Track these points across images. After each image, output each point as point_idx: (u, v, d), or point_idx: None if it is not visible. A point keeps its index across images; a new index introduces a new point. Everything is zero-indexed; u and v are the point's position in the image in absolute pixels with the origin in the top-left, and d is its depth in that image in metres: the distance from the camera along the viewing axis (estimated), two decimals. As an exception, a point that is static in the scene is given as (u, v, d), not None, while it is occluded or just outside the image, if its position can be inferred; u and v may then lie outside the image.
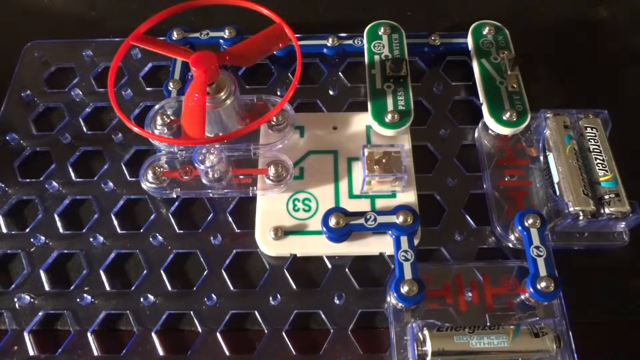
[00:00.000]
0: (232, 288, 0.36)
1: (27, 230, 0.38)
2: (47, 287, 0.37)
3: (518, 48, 0.43)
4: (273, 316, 0.35)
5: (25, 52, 0.47)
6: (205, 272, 0.37)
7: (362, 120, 0.41)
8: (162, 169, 0.38)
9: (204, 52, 0.35)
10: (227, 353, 0.34)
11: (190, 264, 0.37)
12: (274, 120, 0.39)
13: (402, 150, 0.37)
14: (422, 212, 0.37)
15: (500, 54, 0.43)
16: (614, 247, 0.37)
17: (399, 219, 0.35)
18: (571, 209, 0.35)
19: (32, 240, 0.38)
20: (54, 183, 0.40)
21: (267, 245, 0.37)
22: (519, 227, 0.35)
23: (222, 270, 0.37)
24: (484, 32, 0.44)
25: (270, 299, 0.36)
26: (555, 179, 0.37)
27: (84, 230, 0.38)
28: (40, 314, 0.36)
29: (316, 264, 0.37)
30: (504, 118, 0.39)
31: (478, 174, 0.40)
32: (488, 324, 0.34)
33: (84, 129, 0.43)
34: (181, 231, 0.38)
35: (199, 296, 0.36)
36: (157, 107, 0.40)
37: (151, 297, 0.36)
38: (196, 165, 0.37)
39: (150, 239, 0.38)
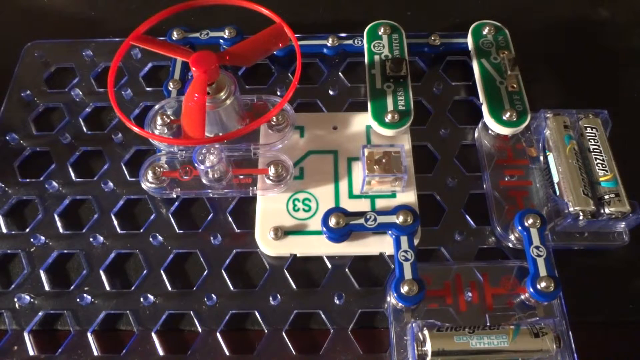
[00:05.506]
0: (232, 288, 0.36)
1: (27, 230, 0.38)
2: (47, 287, 0.37)
3: (518, 48, 0.43)
4: (273, 316, 0.35)
5: (25, 52, 0.47)
6: (205, 272, 0.37)
7: (362, 120, 0.41)
8: (162, 169, 0.38)
9: (204, 52, 0.35)
10: (227, 353, 0.34)
11: (190, 264, 0.37)
12: (274, 120, 0.39)
13: (402, 150, 0.37)
14: (422, 212, 0.37)
15: (500, 54, 0.43)
16: (614, 247, 0.37)
17: (399, 219, 0.35)
18: (571, 209, 0.35)
19: (32, 240, 0.38)
20: (54, 183, 0.40)
21: (267, 245, 0.37)
22: (519, 227, 0.35)
23: (222, 270, 0.37)
24: (484, 32, 0.44)
25: (270, 299, 0.36)
26: (555, 179, 0.37)
27: (84, 230, 0.38)
28: (40, 314, 0.36)
29: (316, 264, 0.37)
30: (504, 118, 0.39)
31: (478, 174, 0.40)
32: (488, 324, 0.34)
33: (84, 129, 0.43)
34: (181, 231, 0.38)
35: (199, 296, 0.36)
36: (157, 107, 0.40)
37: (151, 297, 0.36)
38: (196, 165, 0.37)
39: (150, 239, 0.38)
